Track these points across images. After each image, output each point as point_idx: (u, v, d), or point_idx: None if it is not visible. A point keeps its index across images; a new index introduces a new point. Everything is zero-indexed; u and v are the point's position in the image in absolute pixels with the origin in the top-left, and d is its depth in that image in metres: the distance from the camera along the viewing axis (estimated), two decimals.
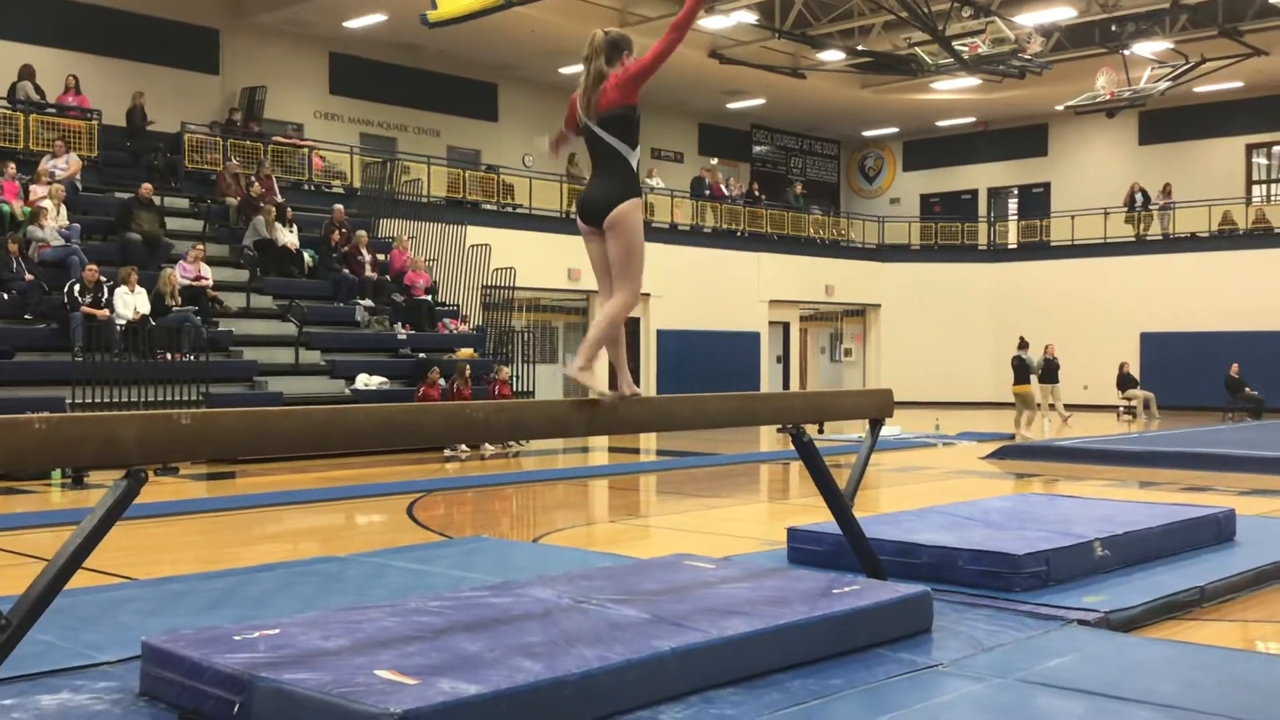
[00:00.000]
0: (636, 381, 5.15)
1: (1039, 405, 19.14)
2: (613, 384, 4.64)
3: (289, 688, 3.35)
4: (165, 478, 11.16)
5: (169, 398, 12.64)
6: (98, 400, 12.24)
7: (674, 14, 18.51)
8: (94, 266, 13.35)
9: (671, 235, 23.69)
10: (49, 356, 12.85)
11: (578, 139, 4.64)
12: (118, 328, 12.99)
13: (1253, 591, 5.92)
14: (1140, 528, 6.34)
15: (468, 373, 14.92)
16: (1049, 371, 19.78)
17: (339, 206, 17.73)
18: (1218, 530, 6.89)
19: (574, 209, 23.32)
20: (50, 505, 9.67)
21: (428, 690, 3.29)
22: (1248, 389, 22.30)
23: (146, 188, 15.45)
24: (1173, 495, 9.81)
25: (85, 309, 12.94)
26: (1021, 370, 17.74)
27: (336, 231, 17.08)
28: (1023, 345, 18.17)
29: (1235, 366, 22.43)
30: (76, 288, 13.08)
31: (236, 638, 3.86)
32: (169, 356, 13.11)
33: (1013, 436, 16.82)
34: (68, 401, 12.16)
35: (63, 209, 14.52)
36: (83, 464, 3.15)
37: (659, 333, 23.96)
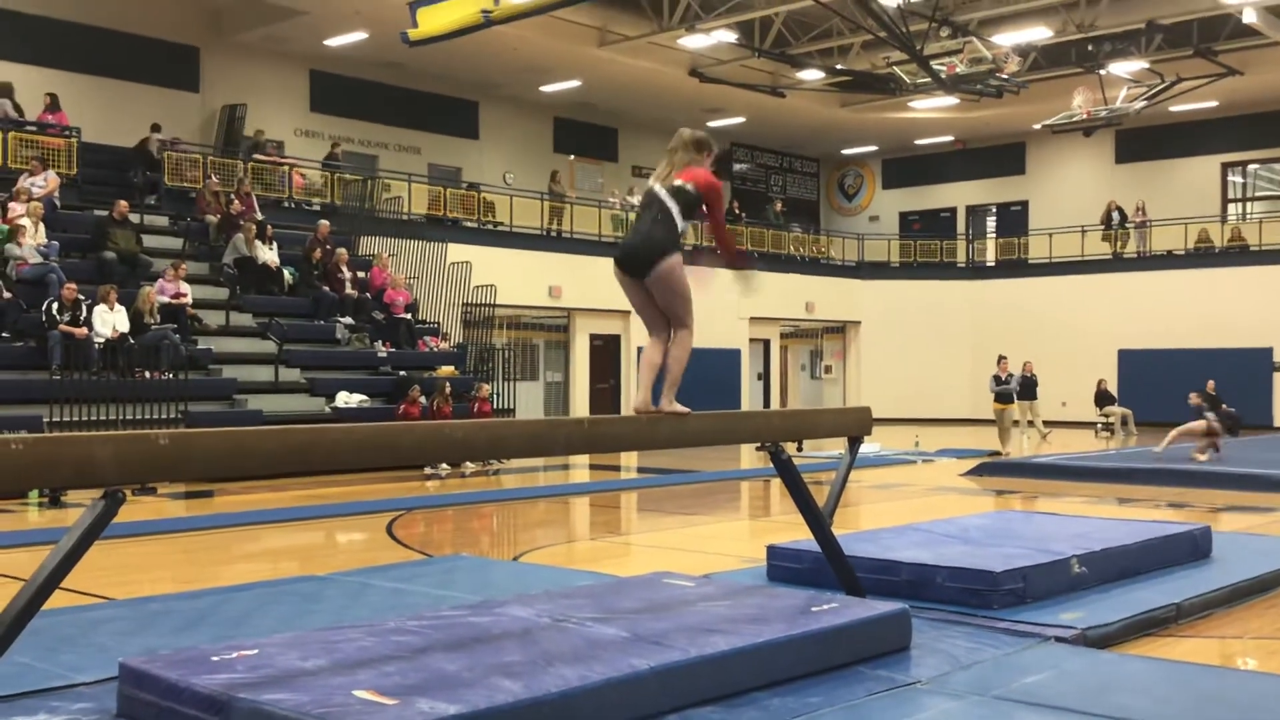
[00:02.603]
0: (618, 399, 5.22)
1: (1016, 423, 19.25)
2: (656, 400, 4.83)
3: (267, 708, 3.34)
4: (143, 497, 11.10)
5: (147, 416, 12.59)
6: (76, 419, 12.18)
7: (653, 34, 18.60)
8: (73, 285, 13.29)
9: None
10: (27, 375, 12.76)
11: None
12: (96, 346, 12.93)
13: (1229, 608, 5.96)
14: (1117, 545, 6.38)
15: (448, 390, 14.90)
16: (1027, 389, 19.88)
17: (323, 222, 17.68)
18: (1194, 547, 6.93)
19: (556, 227, 23.15)
20: (27, 525, 9.60)
21: (406, 711, 3.29)
22: (1223, 405, 22.42)
23: (123, 205, 15.39)
24: (1149, 512, 9.87)
25: (63, 327, 12.87)
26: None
27: (318, 249, 17.06)
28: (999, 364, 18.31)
29: (1211, 383, 22.53)
30: (55, 306, 13.01)
31: (214, 658, 3.85)
32: (148, 375, 13.05)
33: (993, 453, 16.91)
34: (45, 420, 12.09)
35: (41, 227, 14.45)
36: (59, 484, 3.14)
37: (639, 350, 23.98)
